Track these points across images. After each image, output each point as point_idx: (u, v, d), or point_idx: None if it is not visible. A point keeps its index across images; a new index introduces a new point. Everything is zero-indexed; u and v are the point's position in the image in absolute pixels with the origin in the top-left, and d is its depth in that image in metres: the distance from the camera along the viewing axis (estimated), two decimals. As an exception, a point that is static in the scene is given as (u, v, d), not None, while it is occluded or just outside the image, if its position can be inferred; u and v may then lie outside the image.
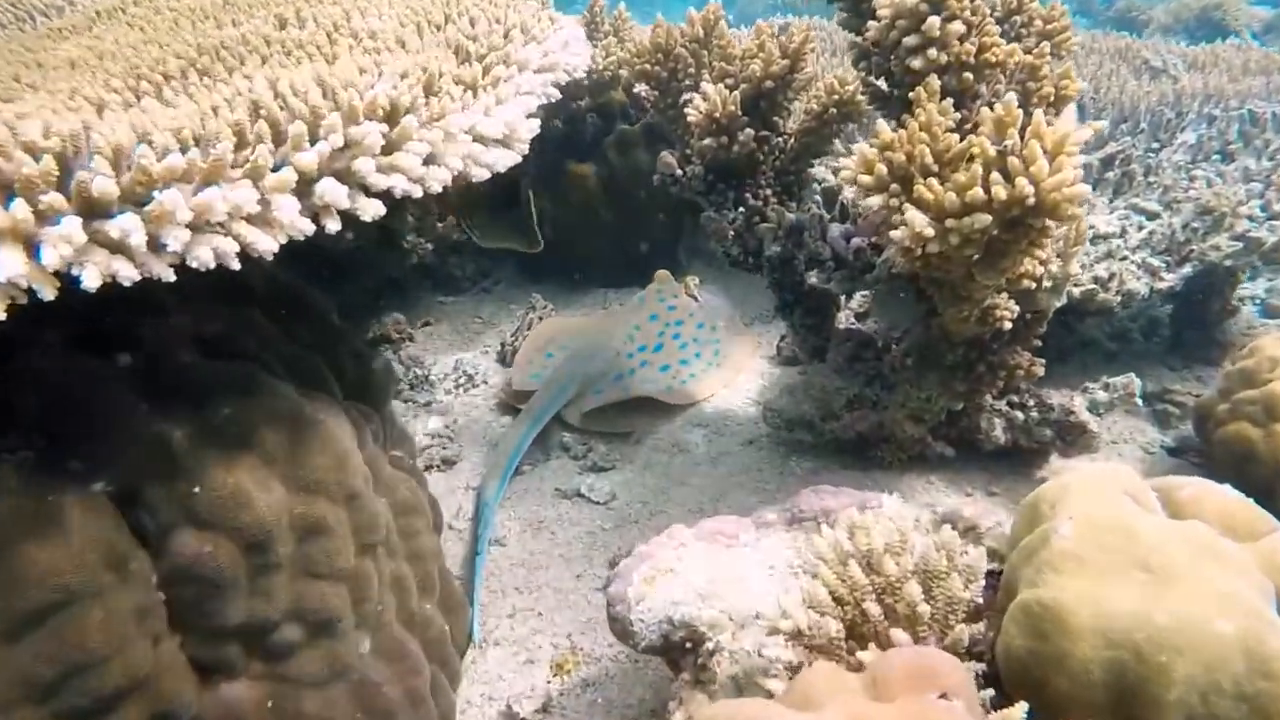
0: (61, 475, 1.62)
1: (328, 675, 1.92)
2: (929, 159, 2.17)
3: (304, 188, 1.59)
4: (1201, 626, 1.32)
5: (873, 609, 1.67)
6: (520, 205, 4.23)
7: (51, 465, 1.62)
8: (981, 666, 1.61)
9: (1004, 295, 2.60)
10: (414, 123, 1.75)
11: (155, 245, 1.38)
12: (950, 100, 2.32)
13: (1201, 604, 1.35)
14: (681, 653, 2.02)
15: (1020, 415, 3.09)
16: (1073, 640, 1.41)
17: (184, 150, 1.49)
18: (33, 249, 1.29)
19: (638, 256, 4.90)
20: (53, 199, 1.31)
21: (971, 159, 2.10)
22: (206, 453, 1.74)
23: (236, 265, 1.47)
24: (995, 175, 2.03)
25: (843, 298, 3.42)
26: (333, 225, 1.62)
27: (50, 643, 1.52)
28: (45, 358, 1.75)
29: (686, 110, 3.35)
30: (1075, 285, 3.23)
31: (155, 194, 1.39)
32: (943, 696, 1.34)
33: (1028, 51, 2.47)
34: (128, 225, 1.33)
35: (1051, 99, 2.44)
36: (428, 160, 1.78)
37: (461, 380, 4.16)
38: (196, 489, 1.70)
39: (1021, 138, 2.04)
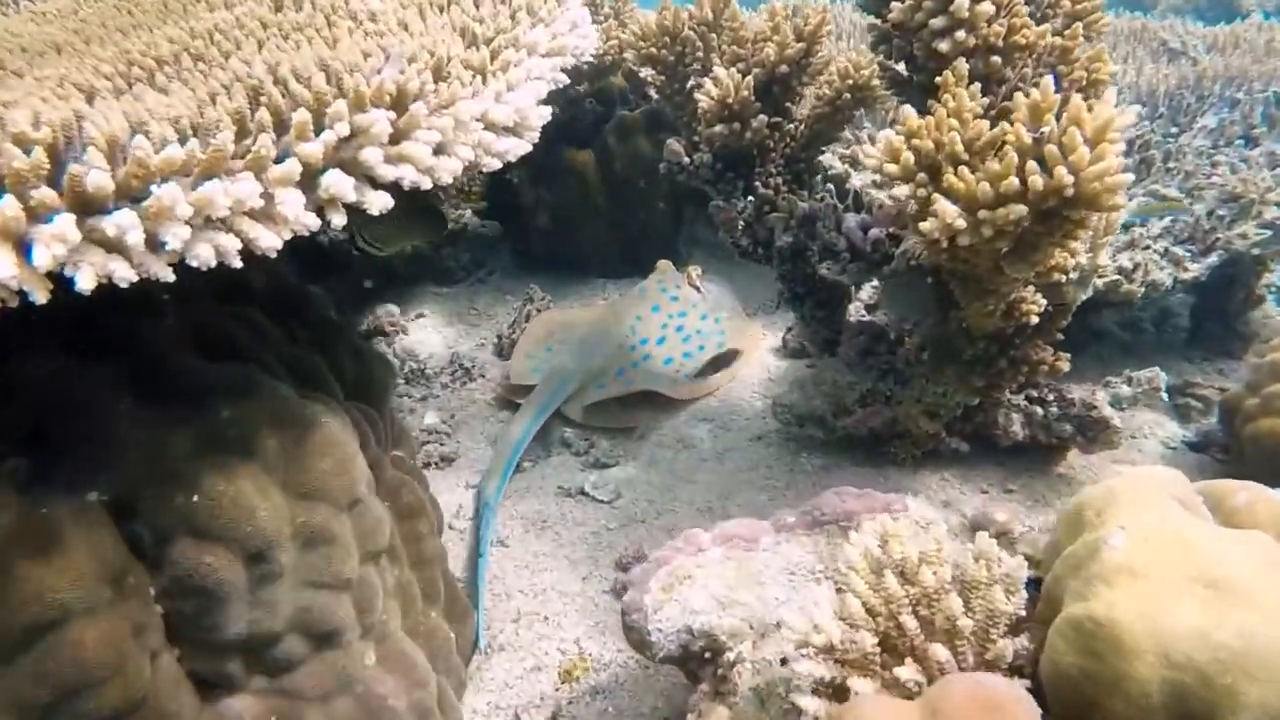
0: (56, 485, 1.55)
1: (332, 688, 1.87)
2: (959, 147, 2.07)
3: (308, 180, 1.50)
4: (1274, 647, 1.24)
5: (909, 622, 1.59)
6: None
7: (45, 474, 1.55)
8: (1025, 683, 1.53)
9: (1030, 289, 2.52)
10: (423, 110, 1.65)
11: (153, 243, 1.29)
12: (977, 85, 2.23)
13: (1273, 622, 1.27)
14: (701, 663, 1.96)
15: (1039, 410, 3.02)
16: (1129, 660, 1.33)
17: (182, 141, 1.39)
18: (24, 248, 1.20)
19: (637, 246, 4.81)
20: (44, 195, 1.21)
21: (1004, 146, 2.01)
22: (205, 459, 1.67)
23: (239, 263, 1.38)
24: (1031, 164, 1.95)
25: (854, 289, 3.34)
26: (338, 220, 1.54)
27: (45, 663, 1.46)
28: (37, 362, 1.67)
29: (696, 95, 3.25)
30: (1099, 276, 3.14)
31: (153, 188, 1.29)
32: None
33: (1057, 33, 2.37)
34: (124, 222, 1.24)
35: (1083, 83, 2.34)
36: (438, 150, 1.68)
37: (458, 374, 4.06)
38: (195, 497, 1.64)
39: (1057, 123, 1.96)
